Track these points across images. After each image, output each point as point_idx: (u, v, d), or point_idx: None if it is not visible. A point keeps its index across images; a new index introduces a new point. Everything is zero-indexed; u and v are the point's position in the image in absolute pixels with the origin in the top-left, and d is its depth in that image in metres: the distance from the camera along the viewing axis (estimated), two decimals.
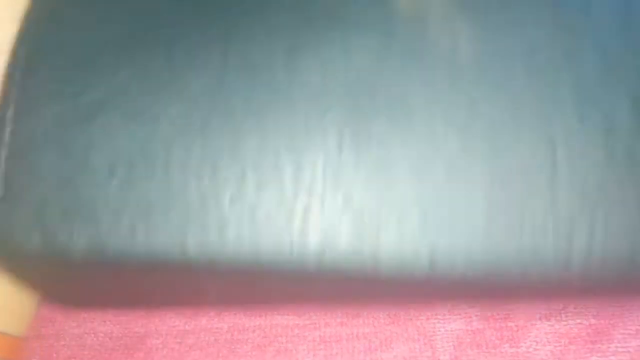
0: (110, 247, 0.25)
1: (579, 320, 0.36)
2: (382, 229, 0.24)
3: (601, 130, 0.25)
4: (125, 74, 0.25)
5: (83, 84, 0.25)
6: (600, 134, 0.25)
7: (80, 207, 0.25)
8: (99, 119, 0.25)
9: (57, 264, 0.25)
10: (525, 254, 0.24)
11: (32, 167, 0.25)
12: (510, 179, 0.24)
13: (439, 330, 0.36)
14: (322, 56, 0.25)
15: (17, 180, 0.25)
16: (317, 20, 0.25)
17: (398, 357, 0.35)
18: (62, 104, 0.25)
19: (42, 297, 0.38)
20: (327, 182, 0.24)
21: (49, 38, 0.26)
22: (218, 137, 0.24)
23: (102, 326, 0.37)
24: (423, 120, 0.24)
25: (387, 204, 0.24)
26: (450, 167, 0.24)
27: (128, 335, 0.37)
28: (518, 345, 0.36)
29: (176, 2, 0.25)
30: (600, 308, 0.36)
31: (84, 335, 0.37)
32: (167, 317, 0.37)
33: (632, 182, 0.24)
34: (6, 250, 0.25)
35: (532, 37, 0.25)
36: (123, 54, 0.25)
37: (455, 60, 0.25)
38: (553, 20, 0.25)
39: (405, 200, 0.24)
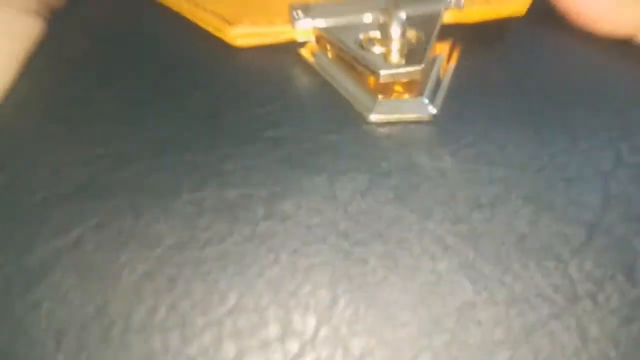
0: None
1: None
2: None
3: None
4: (80, 227, 0.22)
5: (28, 241, 0.22)
6: None
7: None
8: (45, 280, 0.22)
9: None
10: None
11: None
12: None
13: None
14: (306, 203, 0.22)
15: None
16: (300, 166, 0.22)
17: None
18: (3, 267, 0.22)
19: None
20: (321, 340, 0.21)
21: None
22: (188, 294, 0.21)
23: None
24: (423, 258, 0.22)
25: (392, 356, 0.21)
26: (461, 308, 0.21)
27: None
28: None
29: (143, 144, 0.23)
30: None
31: None
32: None
33: None
34: None
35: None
36: (79, 204, 0.22)
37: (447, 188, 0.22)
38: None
39: (413, 349, 0.21)
